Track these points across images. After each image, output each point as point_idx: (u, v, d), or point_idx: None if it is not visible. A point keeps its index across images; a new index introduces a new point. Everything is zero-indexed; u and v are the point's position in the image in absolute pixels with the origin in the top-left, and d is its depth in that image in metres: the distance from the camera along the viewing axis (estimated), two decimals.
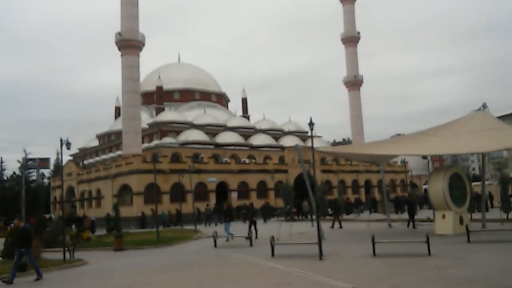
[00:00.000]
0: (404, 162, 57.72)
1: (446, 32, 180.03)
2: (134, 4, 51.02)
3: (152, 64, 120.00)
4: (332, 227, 26.12)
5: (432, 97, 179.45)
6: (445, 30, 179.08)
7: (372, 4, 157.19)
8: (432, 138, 19.82)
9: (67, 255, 16.48)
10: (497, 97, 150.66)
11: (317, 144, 59.39)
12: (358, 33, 71.34)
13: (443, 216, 19.49)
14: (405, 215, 30.98)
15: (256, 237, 21.31)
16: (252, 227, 21.50)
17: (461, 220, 19.40)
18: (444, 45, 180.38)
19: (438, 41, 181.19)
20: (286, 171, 52.79)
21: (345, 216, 38.66)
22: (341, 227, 26.35)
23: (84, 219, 36.54)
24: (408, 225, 23.45)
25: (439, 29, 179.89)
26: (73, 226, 34.17)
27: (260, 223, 36.00)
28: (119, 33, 50.23)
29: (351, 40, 70.73)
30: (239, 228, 25.25)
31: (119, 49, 50.68)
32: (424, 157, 44.30)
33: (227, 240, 21.39)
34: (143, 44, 51.60)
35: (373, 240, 13.72)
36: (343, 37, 71.36)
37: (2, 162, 68.94)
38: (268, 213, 40.26)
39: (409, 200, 27.88)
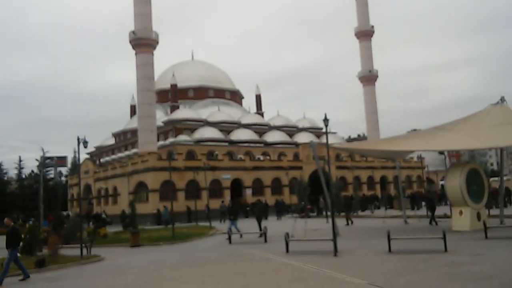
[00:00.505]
0: (420, 158, 57.13)
1: (461, 23, 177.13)
2: (147, 3, 51.34)
3: (166, 62, 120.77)
4: (347, 224, 25.96)
5: (447, 91, 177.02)
6: (459, 21, 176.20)
7: None
8: (449, 133, 19.53)
9: (84, 251, 16.73)
10: None
11: (331, 140, 59.02)
12: (372, 26, 70.61)
13: (460, 212, 19.23)
14: (421, 212, 30.67)
15: (260, 235, 20.96)
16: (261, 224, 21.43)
17: (478, 216, 19.11)
18: (459, 36, 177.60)
19: (453, 33, 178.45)
20: (300, 168, 52.65)
21: (360, 213, 38.45)
22: (352, 223, 26.15)
23: (101, 216, 37.05)
24: (430, 222, 22.79)
25: (453, 20, 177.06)
26: (91, 223, 34.67)
27: (273, 220, 36.18)
28: (133, 32, 50.62)
29: (365, 34, 70.07)
30: (253, 225, 25.27)
31: (133, 48, 51.09)
32: (441, 153, 43.71)
33: (229, 238, 20.29)
34: (157, 43, 51.90)
35: (388, 236, 13.62)
36: (357, 31, 70.73)
37: (20, 161, 70.21)
38: (281, 209, 40.24)
39: (429, 196, 27.39)
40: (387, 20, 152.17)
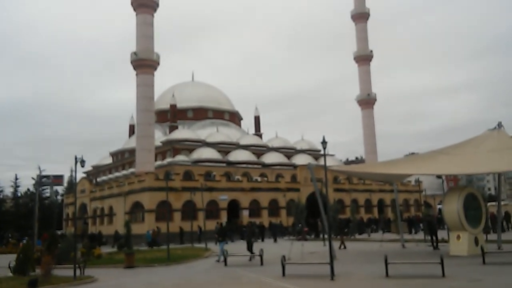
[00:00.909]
0: (418, 182, 56.97)
1: (458, 49, 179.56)
2: (149, 25, 51.98)
3: (166, 83, 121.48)
4: (340, 247, 25.44)
5: (445, 115, 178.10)
6: (456, 47, 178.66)
7: (384, 21, 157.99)
8: (447, 157, 19.58)
9: (78, 271, 16.48)
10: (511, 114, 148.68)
11: (329, 162, 59.01)
12: (371, 51, 71.48)
13: (458, 237, 19.11)
14: (419, 235, 30.44)
15: (250, 259, 20.71)
16: (254, 247, 21.17)
17: (476, 241, 18.98)
18: (457, 62, 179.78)
19: (451, 58, 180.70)
20: (298, 190, 52.48)
21: (357, 236, 38.14)
22: (345, 247, 25.71)
23: (97, 236, 36.65)
24: (433, 246, 22.49)
25: (451, 46, 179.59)
26: (85, 241, 34.15)
27: (270, 242, 35.84)
28: (135, 53, 51.11)
29: (364, 58, 70.89)
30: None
31: (135, 68, 51.50)
32: (439, 177, 43.71)
33: (218, 260, 20.91)
34: (158, 64, 52.36)
35: (386, 260, 13.48)
36: (355, 55, 71.57)
37: (16, 179, 69.82)
38: (276, 232, 39.84)
39: (428, 220, 27.10)
40: (386, 45, 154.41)
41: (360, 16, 71.36)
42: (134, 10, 52.08)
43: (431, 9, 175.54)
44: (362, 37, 71.38)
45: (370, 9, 72.00)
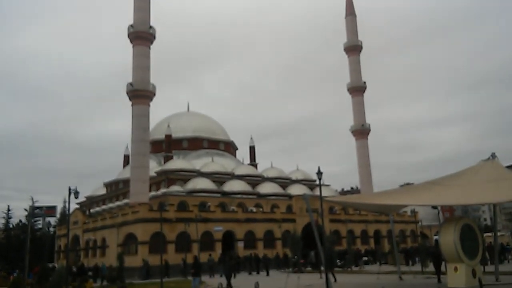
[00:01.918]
0: (414, 212, 56.84)
1: (451, 81, 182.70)
2: (145, 56, 52.64)
3: (161, 113, 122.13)
4: (335, 280, 24.63)
5: (439, 146, 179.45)
6: (450, 79, 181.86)
7: (377, 53, 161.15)
8: (442, 188, 19.58)
9: None
10: (505, 145, 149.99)
11: (325, 193, 58.73)
12: (364, 83, 72.53)
13: (455, 269, 18.89)
14: (416, 267, 30.05)
15: None
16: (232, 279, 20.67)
17: (473, 273, 18.76)
18: (450, 94, 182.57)
19: (444, 90, 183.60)
20: (294, 220, 52.00)
21: (353, 268, 37.61)
22: (335, 280, 24.98)
23: (85, 269, 35.81)
24: (438, 279, 21.81)
25: (444, 78, 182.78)
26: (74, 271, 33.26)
27: (263, 275, 35.09)
28: (131, 84, 51.52)
29: (357, 90, 71.84)
30: (244, 278, 24.57)
31: (130, 99, 51.79)
32: (434, 207, 43.66)
33: None
34: (154, 94, 52.74)
35: None
36: (349, 87, 72.54)
37: (9, 210, 68.81)
38: (272, 264, 38.96)
39: (434, 251, 26.41)
40: (379, 76, 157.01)
41: (353, 49, 72.81)
42: (131, 42, 52.86)
43: (425, 42, 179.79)
44: (355, 69, 72.57)
45: (362, 42, 73.56)
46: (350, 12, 74.24)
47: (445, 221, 23.00)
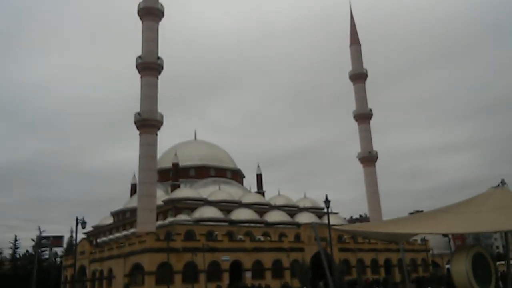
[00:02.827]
0: (424, 241, 55.86)
1: (458, 108, 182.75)
2: (153, 86, 53.35)
3: (169, 142, 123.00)
4: None
5: (448, 172, 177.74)
6: (458, 105, 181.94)
7: (384, 80, 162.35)
8: (453, 215, 19.24)
9: None
10: None
11: (333, 221, 58.06)
12: (370, 110, 72.63)
13: None
14: None
15: None
16: None
17: None
18: (458, 120, 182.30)
19: (452, 117, 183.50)
20: (302, 250, 51.27)
21: None
22: None
23: None
24: None
25: (452, 105, 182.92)
26: None
27: None
28: (138, 113, 52.04)
29: (363, 117, 71.93)
30: None
31: (138, 128, 52.20)
32: (445, 235, 42.94)
33: None
34: (161, 123, 53.15)
35: None
36: (355, 114, 72.68)
37: (16, 240, 68.78)
38: None
39: (447, 280, 25.84)
40: (386, 103, 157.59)
41: (358, 77, 73.35)
42: (139, 72, 53.71)
43: (432, 68, 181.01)
44: (361, 96, 72.89)
45: (367, 70, 74.16)
46: (355, 41, 75.23)
47: (456, 249, 22.54)
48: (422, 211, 49.72)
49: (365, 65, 74.21)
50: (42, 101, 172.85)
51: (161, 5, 55.17)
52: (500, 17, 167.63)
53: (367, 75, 73.92)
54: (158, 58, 54.03)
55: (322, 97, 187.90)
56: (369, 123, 72.31)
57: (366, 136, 71.45)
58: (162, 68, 54.44)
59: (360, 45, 75.27)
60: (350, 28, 76.12)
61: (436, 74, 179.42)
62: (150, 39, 54.07)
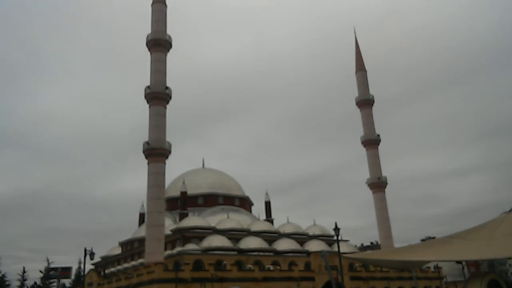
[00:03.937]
0: (437, 268, 54.65)
1: (467, 131, 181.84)
2: (162, 115, 53.81)
3: (177, 170, 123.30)
4: None
5: (458, 197, 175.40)
6: (467, 129, 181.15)
7: (391, 105, 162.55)
8: (466, 241, 18.89)
9: None
10: None
11: (344, 249, 57.24)
12: (378, 135, 72.43)
13: None
14: None
15: None
16: None
17: None
18: (467, 144, 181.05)
19: (462, 140, 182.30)
20: (313, 279, 50.32)
21: None
22: None
23: None
24: None
25: (461, 129, 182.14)
26: None
27: None
28: (147, 142, 52.36)
29: (371, 143, 71.69)
30: None
31: (146, 157, 52.40)
32: (459, 262, 42.01)
33: None
34: (170, 152, 53.34)
35: None
36: (363, 140, 72.49)
37: (24, 272, 68.30)
38: None
39: None
40: (394, 128, 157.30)
41: (365, 103, 73.50)
42: (148, 102, 54.32)
43: (440, 92, 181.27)
44: (368, 122, 72.86)
45: (374, 95, 74.37)
46: (360, 67, 75.83)
47: (470, 276, 22.05)
48: (434, 238, 48.83)
49: (371, 90, 74.50)
50: (51, 131, 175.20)
51: (169, 37, 56.30)
52: (510, 39, 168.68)
53: (373, 101, 74.08)
54: (167, 88, 54.69)
55: (330, 122, 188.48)
56: (377, 148, 72.00)
57: (374, 162, 71.03)
58: (170, 97, 55.01)
59: (365, 71, 75.79)
60: (355, 55, 76.88)
61: (444, 98, 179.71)
62: (159, 69, 54.92)
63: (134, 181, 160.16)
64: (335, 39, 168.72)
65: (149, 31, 56.03)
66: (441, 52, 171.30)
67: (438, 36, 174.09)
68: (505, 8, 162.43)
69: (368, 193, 70.71)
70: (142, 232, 59.68)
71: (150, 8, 57.43)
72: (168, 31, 56.64)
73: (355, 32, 78.44)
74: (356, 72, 76.08)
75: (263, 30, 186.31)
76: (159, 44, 55.23)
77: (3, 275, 65.43)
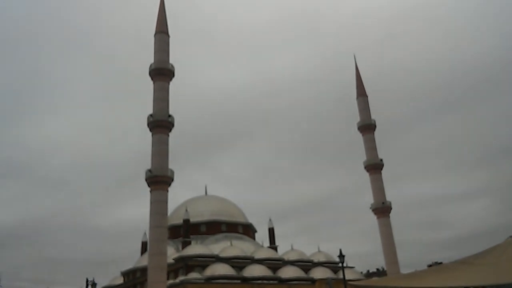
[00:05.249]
0: None
1: (470, 155, 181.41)
2: (164, 143, 53.89)
3: (180, 197, 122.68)
4: None
5: (466, 221, 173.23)
6: (471, 152, 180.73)
7: (393, 129, 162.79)
8: (472, 267, 18.64)
9: None
10: None
11: (349, 275, 56.31)
12: (381, 160, 72.20)
13: None
14: None
15: None
16: None
17: None
18: (472, 167, 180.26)
19: (465, 163, 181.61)
20: None
21: None
22: None
23: None
24: None
25: (465, 152, 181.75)
26: None
27: None
28: (149, 170, 52.32)
29: (374, 167, 71.39)
30: None
31: (149, 185, 52.23)
32: None
33: None
34: (172, 180, 53.19)
35: None
36: (365, 164, 72.20)
37: None
38: None
39: None
40: (397, 152, 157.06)
41: (367, 128, 73.58)
42: (150, 130, 54.52)
43: (442, 115, 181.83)
44: (371, 147, 72.77)
45: (376, 120, 74.54)
46: (361, 93, 76.33)
47: None
48: (441, 263, 48.07)
49: (373, 114, 74.64)
50: (53, 160, 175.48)
51: (172, 66, 57.05)
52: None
53: (375, 126, 74.19)
54: (169, 116, 55.03)
55: (332, 147, 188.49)
56: (380, 173, 71.67)
57: (378, 187, 70.61)
58: (173, 125, 55.22)
59: (367, 96, 76.24)
60: (356, 81, 77.53)
61: (447, 121, 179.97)
62: (161, 98, 55.38)
63: (137, 210, 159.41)
64: (336, 64, 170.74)
65: (152, 61, 56.85)
66: (445, 76, 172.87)
67: (440, 60, 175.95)
68: (508, 32, 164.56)
69: (372, 218, 70.10)
70: (144, 261, 58.98)
71: (152, 39, 58.47)
72: (171, 60, 57.51)
73: (355, 58, 79.45)
74: (357, 97, 76.57)
75: (264, 56, 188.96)
76: (162, 73, 55.90)
77: None
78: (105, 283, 72.69)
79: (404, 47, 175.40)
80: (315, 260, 67.56)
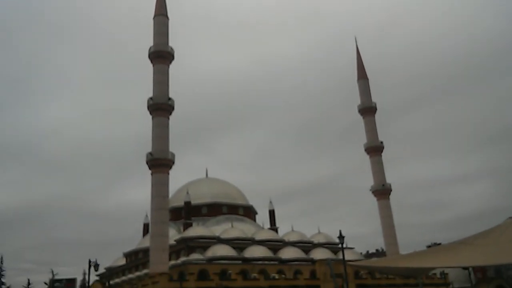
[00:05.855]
0: (444, 274, 54.27)
1: (472, 136, 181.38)
2: (165, 126, 53.91)
3: (180, 180, 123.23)
4: None
5: (464, 203, 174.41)
6: (470, 134, 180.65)
7: (394, 111, 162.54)
8: (472, 248, 18.85)
9: None
10: None
11: (349, 256, 56.95)
12: (381, 142, 72.22)
13: None
14: None
15: None
16: None
17: None
18: (472, 149, 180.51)
19: (464, 146, 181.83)
20: (318, 287, 50.14)
21: None
22: None
23: None
24: None
25: (464, 134, 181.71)
26: None
27: None
28: (150, 153, 52.43)
29: (375, 150, 71.52)
30: None
31: (150, 168, 52.45)
32: (465, 268, 41.72)
33: None
34: (173, 162, 53.36)
35: None
36: (366, 147, 72.35)
37: (29, 284, 68.27)
38: None
39: None
40: (398, 134, 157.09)
41: (367, 110, 73.43)
42: (150, 113, 54.42)
43: (443, 97, 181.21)
44: (371, 129, 72.75)
45: (376, 103, 74.29)
46: (362, 76, 75.95)
47: (477, 282, 21.94)
48: (440, 244, 48.57)
49: (373, 97, 74.43)
50: (55, 143, 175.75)
51: (171, 48, 56.63)
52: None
53: (376, 108, 74.03)
54: (169, 99, 54.87)
55: (333, 130, 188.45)
56: (380, 155, 71.81)
57: (378, 169, 70.85)
58: (173, 108, 55.13)
59: (367, 79, 75.88)
60: (357, 63, 77.07)
61: (447, 103, 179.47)
62: (161, 81, 55.17)
63: (138, 192, 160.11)
64: (337, 47, 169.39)
65: (151, 44, 56.40)
66: (445, 59, 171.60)
67: (440, 43, 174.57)
68: (508, 18, 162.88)
69: (372, 200, 70.55)
70: (146, 242, 59.59)
71: (152, 21, 57.86)
72: (170, 43, 57.03)
73: (356, 41, 78.75)
74: (358, 80, 76.21)
75: (264, 39, 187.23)
76: (161, 56, 55.56)
77: (8, 287, 65.46)
78: (108, 264, 73.64)
79: (405, 30, 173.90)
80: (315, 241, 68.24)
